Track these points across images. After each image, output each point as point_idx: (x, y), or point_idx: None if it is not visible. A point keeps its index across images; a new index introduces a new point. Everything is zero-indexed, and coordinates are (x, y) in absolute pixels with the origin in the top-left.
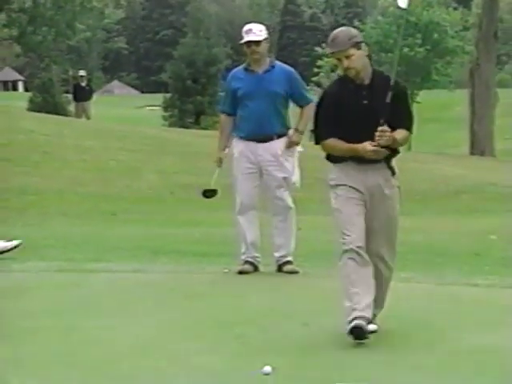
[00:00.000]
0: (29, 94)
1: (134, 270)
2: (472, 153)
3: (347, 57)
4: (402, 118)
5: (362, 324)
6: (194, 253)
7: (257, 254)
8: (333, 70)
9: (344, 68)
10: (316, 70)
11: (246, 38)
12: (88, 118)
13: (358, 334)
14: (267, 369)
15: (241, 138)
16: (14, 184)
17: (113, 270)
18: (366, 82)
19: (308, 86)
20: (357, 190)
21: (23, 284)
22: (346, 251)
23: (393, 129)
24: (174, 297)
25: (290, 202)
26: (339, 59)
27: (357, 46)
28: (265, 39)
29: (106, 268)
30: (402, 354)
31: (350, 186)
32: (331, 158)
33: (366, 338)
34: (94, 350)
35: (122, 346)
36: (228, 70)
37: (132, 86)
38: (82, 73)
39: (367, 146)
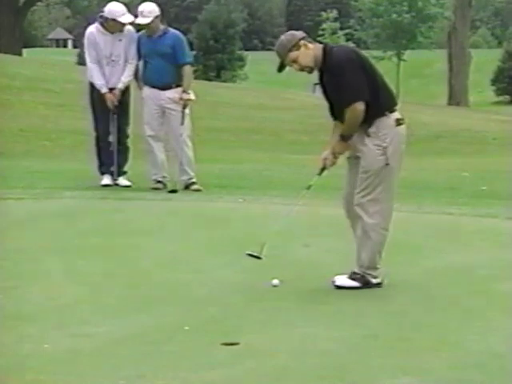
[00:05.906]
0: (77, 50)
1: (164, 198)
2: (449, 103)
3: None
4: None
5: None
6: (215, 185)
7: (165, 174)
8: (334, 33)
9: None
10: (320, 32)
11: (137, 21)
12: None
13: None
14: (275, 281)
15: (147, 85)
16: (65, 126)
17: (147, 198)
18: None
19: None
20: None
21: (73, 209)
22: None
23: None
24: (198, 221)
25: (185, 135)
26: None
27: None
28: (152, 20)
29: (141, 197)
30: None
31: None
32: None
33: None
34: (132, 264)
35: (155, 261)
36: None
37: None
38: None
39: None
